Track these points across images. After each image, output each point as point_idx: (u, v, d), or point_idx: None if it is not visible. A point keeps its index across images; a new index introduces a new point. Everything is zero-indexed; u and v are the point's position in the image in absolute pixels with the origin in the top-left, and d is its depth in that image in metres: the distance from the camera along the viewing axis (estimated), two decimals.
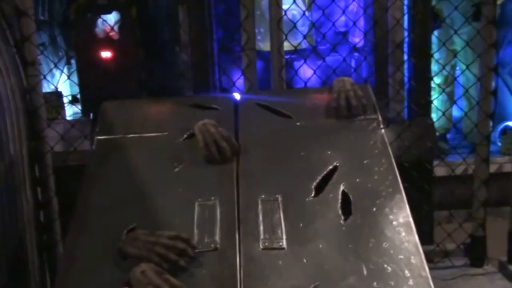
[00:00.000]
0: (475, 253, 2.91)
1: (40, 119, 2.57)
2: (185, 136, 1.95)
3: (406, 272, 1.50)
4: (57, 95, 4.64)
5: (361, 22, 4.90)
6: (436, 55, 4.11)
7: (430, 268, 1.51)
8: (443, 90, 4.19)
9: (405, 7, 4.26)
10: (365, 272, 1.50)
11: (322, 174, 1.77)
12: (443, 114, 3.47)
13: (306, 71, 3.08)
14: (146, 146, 1.96)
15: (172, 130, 1.99)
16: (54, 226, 2.66)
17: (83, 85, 4.66)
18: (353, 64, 5.37)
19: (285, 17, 2.78)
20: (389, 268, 1.50)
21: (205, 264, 1.54)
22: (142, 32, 4.49)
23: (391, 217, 1.64)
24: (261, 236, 1.60)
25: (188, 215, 1.68)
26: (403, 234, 1.59)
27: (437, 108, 4.11)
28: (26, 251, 2.43)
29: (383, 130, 1.94)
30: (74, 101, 4.88)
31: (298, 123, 1.99)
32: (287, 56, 2.89)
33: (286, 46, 2.84)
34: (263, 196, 1.72)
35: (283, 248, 1.57)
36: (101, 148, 1.98)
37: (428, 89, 4.57)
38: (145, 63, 4.21)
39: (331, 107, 2.01)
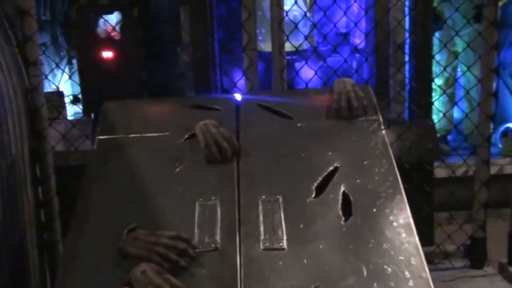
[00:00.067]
0: (475, 255, 2.91)
1: (42, 119, 2.58)
2: (186, 136, 1.95)
3: (406, 273, 1.50)
4: (59, 95, 4.66)
5: (363, 23, 4.90)
6: (437, 57, 4.10)
7: (430, 270, 1.51)
8: (444, 92, 4.18)
9: (406, 9, 4.27)
10: (365, 273, 1.50)
11: (323, 175, 1.78)
12: (444, 115, 3.47)
13: (307, 72, 3.08)
14: (147, 146, 1.96)
15: (173, 130, 1.99)
16: (55, 225, 2.66)
17: (85, 85, 4.66)
18: (354, 65, 5.37)
19: (286, 18, 2.78)
20: (389, 269, 1.51)
21: (206, 264, 1.55)
22: (143, 32, 4.49)
23: (391, 218, 1.65)
24: (262, 237, 1.61)
25: (189, 215, 1.68)
26: (404, 235, 1.59)
27: (438, 110, 4.11)
28: (26, 250, 2.43)
29: (383, 131, 1.94)
30: (75, 101, 4.89)
31: (299, 124, 1.99)
32: (288, 57, 2.89)
33: (287, 47, 2.84)
34: (263, 196, 1.72)
35: (284, 249, 1.58)
36: (102, 148, 1.98)
37: (429, 90, 4.57)
38: (146, 63, 4.21)
39: (332, 108, 2.01)
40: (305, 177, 1.78)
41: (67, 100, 4.77)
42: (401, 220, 1.63)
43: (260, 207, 1.69)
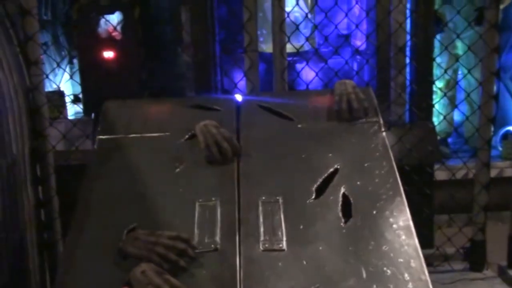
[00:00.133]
0: (475, 258, 2.91)
1: (42, 118, 2.58)
2: (187, 136, 1.95)
3: (406, 275, 1.50)
4: (59, 94, 4.65)
5: (364, 25, 4.90)
6: (438, 59, 4.10)
7: (429, 272, 1.51)
8: (445, 94, 4.18)
9: (408, 11, 4.26)
10: (364, 275, 1.50)
11: (323, 176, 1.78)
12: (445, 118, 3.47)
13: (308, 74, 3.09)
14: (148, 146, 1.96)
15: (174, 130, 1.99)
16: (55, 225, 2.66)
17: (85, 85, 4.66)
18: (355, 67, 5.36)
19: (287, 19, 2.78)
20: (388, 271, 1.51)
21: (205, 264, 1.55)
22: (144, 32, 4.49)
23: (391, 220, 1.65)
24: (261, 238, 1.61)
25: (189, 215, 1.68)
26: (403, 237, 1.60)
27: (439, 112, 4.11)
28: (26, 250, 2.43)
29: (384, 133, 1.94)
30: (76, 100, 4.89)
31: (299, 125, 1.99)
32: (289, 58, 2.89)
33: (289, 48, 2.84)
34: (263, 197, 1.72)
35: (283, 250, 1.58)
36: (102, 148, 1.98)
37: (430, 92, 4.56)
38: (147, 64, 4.21)
39: (332, 110, 2.01)
40: (305, 179, 1.78)
41: (67, 99, 4.77)
42: (401, 222, 1.64)
43: (260, 208, 1.69)
